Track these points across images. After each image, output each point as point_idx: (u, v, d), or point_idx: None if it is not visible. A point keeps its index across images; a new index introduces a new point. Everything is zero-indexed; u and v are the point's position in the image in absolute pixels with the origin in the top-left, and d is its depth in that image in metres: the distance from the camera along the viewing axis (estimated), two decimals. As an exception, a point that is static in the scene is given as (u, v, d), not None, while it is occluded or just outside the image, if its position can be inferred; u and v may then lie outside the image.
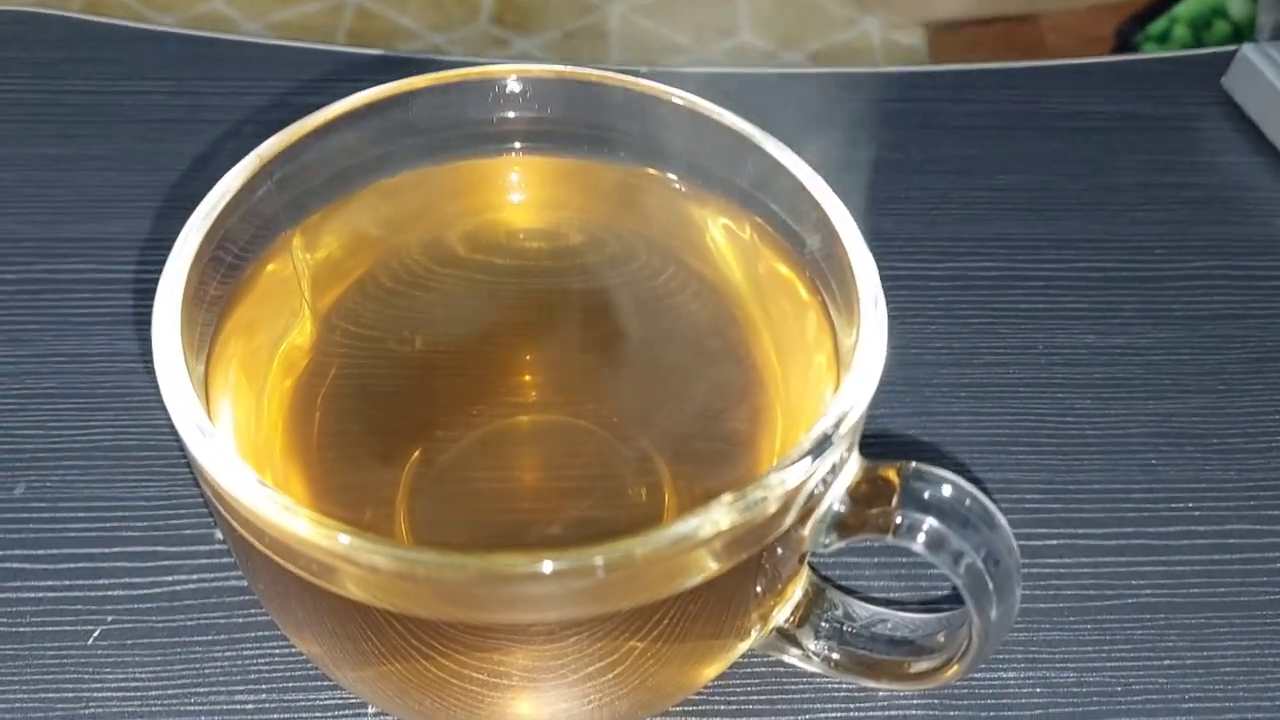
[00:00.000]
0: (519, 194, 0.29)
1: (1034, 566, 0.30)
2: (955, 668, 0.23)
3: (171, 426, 0.20)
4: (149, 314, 0.21)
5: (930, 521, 0.21)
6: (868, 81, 0.48)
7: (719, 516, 0.19)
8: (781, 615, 0.25)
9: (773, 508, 0.19)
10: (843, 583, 0.30)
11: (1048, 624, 0.29)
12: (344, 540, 0.18)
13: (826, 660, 0.25)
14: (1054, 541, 0.31)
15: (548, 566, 0.18)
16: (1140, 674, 0.28)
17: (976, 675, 0.28)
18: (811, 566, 0.26)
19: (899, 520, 0.21)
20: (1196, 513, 0.32)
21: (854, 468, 0.22)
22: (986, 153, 0.43)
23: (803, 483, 0.20)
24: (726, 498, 0.19)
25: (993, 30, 0.81)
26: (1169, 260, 0.39)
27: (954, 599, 0.29)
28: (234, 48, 0.46)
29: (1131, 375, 0.35)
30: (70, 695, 0.26)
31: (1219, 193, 0.42)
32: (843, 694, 0.27)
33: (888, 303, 0.22)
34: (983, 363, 0.35)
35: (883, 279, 0.22)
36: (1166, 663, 0.28)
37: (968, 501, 0.21)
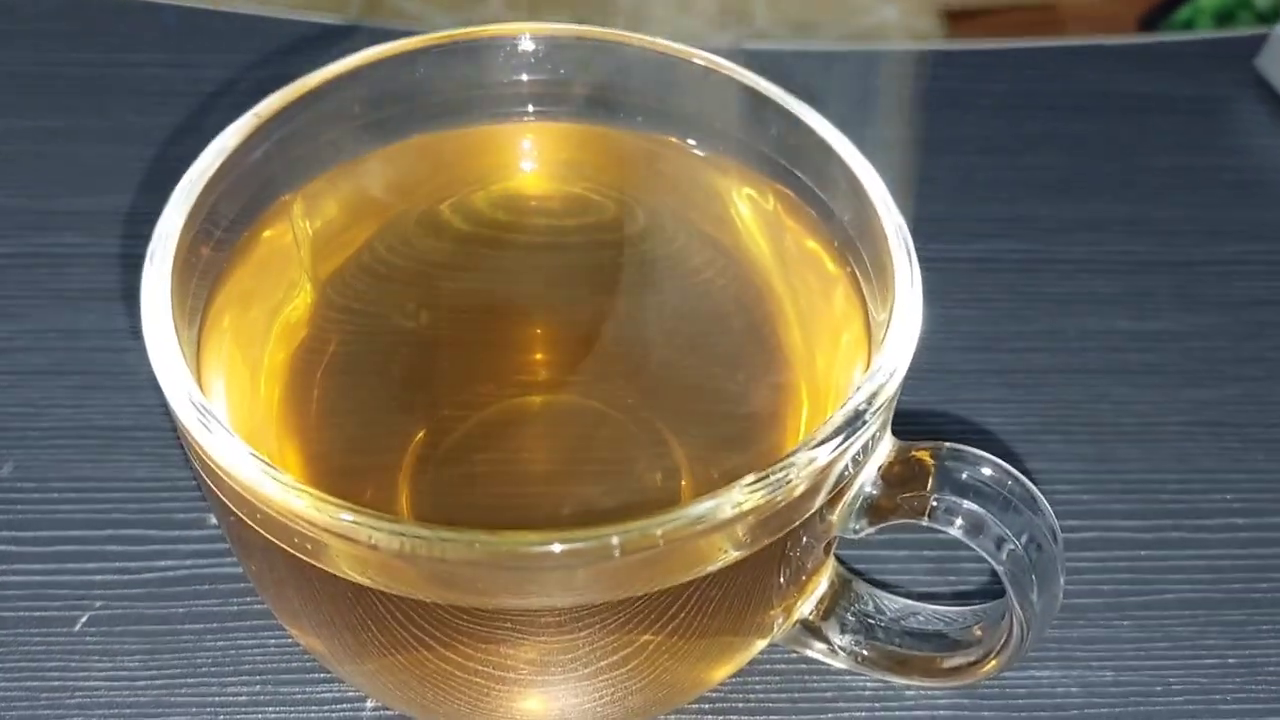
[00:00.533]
0: (531, 161, 0.28)
1: (1068, 560, 0.29)
2: (993, 662, 0.22)
3: (163, 402, 0.19)
4: (143, 289, 0.20)
5: (968, 505, 0.20)
6: (889, 59, 0.46)
7: (744, 496, 0.17)
8: (806, 607, 0.24)
9: (801, 488, 0.18)
10: (870, 577, 0.28)
11: (1083, 620, 0.28)
12: (344, 517, 0.17)
13: (854, 655, 0.24)
14: (1088, 534, 0.29)
15: (559, 546, 0.17)
16: (1180, 673, 0.27)
17: (1009, 675, 0.26)
18: (838, 558, 0.24)
19: (935, 503, 0.20)
20: (1236, 505, 0.30)
21: (887, 448, 0.20)
22: (1011, 132, 0.42)
23: (833, 461, 0.19)
24: (752, 476, 0.18)
25: (1012, 19, 0.80)
26: (1203, 245, 0.38)
27: (986, 592, 0.28)
28: (233, 19, 0.44)
29: (1167, 362, 0.34)
30: (56, 684, 0.25)
31: (1254, 176, 0.41)
32: (869, 693, 0.26)
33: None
34: (1011, 348, 0.34)
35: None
36: (1208, 662, 0.27)
37: (1009, 483, 0.20)
